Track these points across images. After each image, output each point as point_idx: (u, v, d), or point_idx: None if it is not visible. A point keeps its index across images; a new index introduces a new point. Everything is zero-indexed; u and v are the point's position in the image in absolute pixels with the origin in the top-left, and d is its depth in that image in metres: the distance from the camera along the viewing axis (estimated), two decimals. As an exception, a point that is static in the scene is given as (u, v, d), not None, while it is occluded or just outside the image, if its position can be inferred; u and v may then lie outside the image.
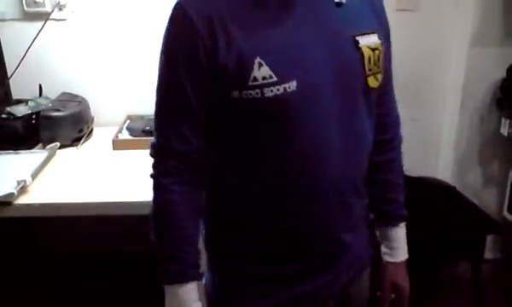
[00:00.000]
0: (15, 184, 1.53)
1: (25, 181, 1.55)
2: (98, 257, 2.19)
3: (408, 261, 1.17)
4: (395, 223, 1.15)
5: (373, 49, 0.92)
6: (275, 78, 0.83)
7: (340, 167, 0.93)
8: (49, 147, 1.84)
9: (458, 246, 1.96)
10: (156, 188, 0.95)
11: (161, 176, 0.94)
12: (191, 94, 0.88)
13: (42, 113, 1.90)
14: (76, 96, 2.05)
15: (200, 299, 0.97)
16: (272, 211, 0.94)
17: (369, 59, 0.91)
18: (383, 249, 1.17)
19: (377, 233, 1.18)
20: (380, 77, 0.95)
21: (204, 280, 1.01)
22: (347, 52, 0.90)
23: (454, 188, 2.14)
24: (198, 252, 0.97)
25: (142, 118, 2.09)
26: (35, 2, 2.00)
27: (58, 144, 1.86)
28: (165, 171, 0.93)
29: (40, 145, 1.89)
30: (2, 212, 1.49)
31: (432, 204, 2.02)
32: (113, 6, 2.05)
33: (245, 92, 0.84)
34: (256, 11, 0.85)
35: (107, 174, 1.72)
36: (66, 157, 1.85)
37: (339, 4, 0.90)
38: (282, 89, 0.83)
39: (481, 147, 2.36)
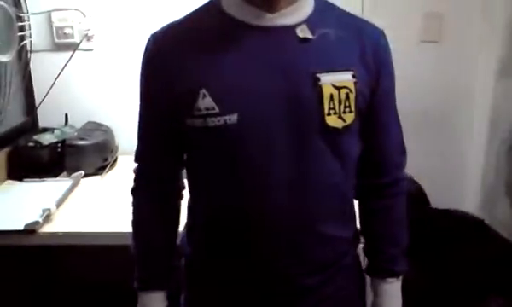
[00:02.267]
0: (40, 212, 1.55)
1: (49, 209, 1.57)
2: (122, 288, 2.18)
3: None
4: (381, 277, 1.06)
5: (338, 88, 0.87)
6: (217, 110, 0.86)
7: (288, 205, 0.90)
8: (73, 175, 1.86)
9: (488, 281, 1.90)
10: (132, 202, 1.06)
11: (134, 192, 1.05)
12: (153, 119, 0.99)
13: (67, 142, 1.94)
14: (101, 125, 2.08)
15: None
16: (225, 239, 0.96)
17: (331, 97, 0.87)
18: (372, 302, 1.08)
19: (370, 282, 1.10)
20: (348, 117, 0.90)
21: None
22: (302, 88, 0.87)
23: (482, 221, 2.08)
24: (166, 265, 1.05)
25: (165, 147, 2.09)
26: (65, 34, 2.06)
27: (83, 172, 1.89)
28: (138, 188, 1.05)
29: (65, 173, 1.92)
30: (27, 240, 1.50)
31: (459, 237, 1.96)
32: (138, 36, 2.07)
33: (192, 121, 0.89)
34: (213, 44, 0.89)
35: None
36: (90, 185, 1.87)
37: (304, 40, 0.88)
38: (222, 121, 0.86)
39: (510, 178, 2.29)
